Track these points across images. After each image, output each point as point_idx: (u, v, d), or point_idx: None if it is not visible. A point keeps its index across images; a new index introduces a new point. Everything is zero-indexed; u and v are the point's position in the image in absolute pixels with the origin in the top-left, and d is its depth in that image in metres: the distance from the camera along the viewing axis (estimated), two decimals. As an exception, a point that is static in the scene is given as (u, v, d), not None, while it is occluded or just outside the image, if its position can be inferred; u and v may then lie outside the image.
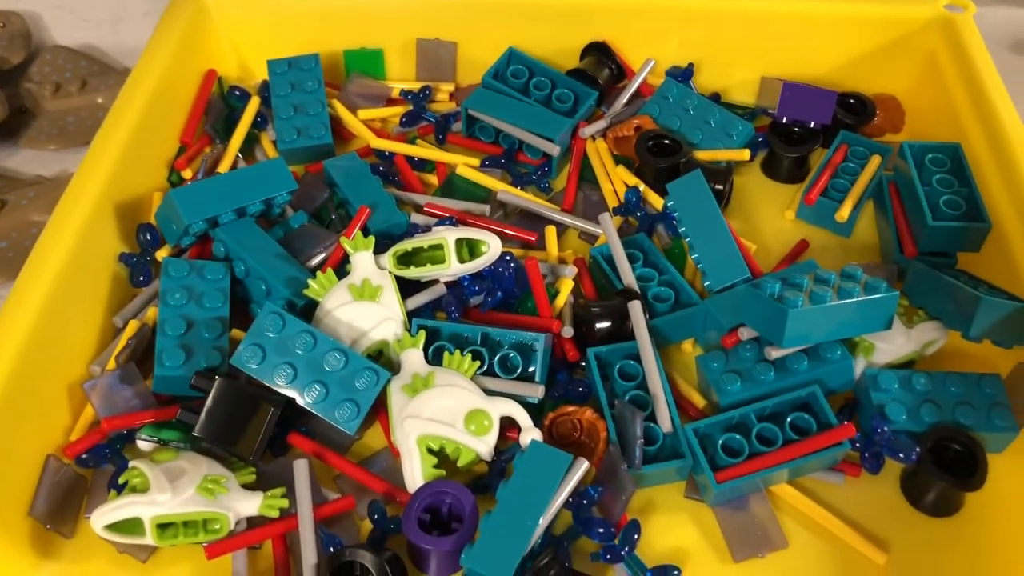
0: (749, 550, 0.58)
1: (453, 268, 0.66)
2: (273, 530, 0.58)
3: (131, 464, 0.58)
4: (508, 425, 0.62)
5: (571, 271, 0.70)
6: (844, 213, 0.74)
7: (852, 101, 0.84)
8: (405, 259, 0.67)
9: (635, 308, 0.65)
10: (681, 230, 0.71)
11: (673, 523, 0.60)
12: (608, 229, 0.71)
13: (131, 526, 0.56)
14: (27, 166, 0.87)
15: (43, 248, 0.64)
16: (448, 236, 0.66)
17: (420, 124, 0.85)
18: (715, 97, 0.87)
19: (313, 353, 0.61)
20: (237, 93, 0.84)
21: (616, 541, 0.57)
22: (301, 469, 0.59)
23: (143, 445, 0.61)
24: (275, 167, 0.71)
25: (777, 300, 0.60)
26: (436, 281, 0.68)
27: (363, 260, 0.66)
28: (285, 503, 0.58)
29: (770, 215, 0.79)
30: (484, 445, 0.60)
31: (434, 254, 0.67)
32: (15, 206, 0.79)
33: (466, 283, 0.67)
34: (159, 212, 0.69)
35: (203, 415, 0.59)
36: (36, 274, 0.62)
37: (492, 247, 0.66)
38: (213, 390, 0.59)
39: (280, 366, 0.61)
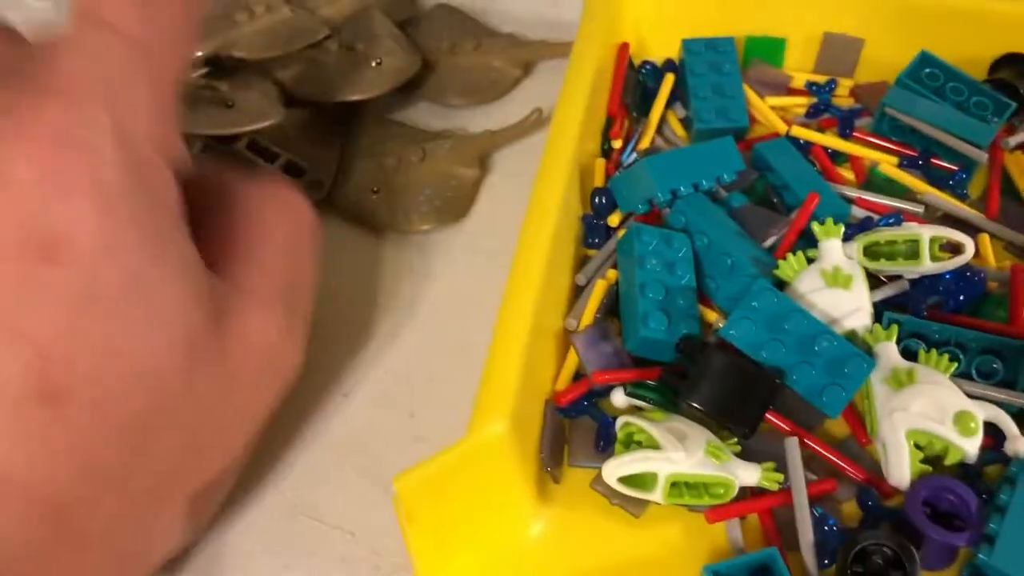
0: None
1: (925, 266, 0.65)
2: (765, 503, 0.59)
3: (623, 420, 0.59)
4: (980, 431, 0.62)
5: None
6: None
7: None
8: (870, 252, 0.67)
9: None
10: None
11: None
12: (1065, 244, 0.69)
13: (639, 480, 0.57)
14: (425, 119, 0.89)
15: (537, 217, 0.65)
16: (923, 232, 0.66)
17: (822, 117, 0.85)
18: None
19: (803, 333, 0.61)
20: (647, 68, 0.85)
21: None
22: (792, 448, 0.59)
23: (621, 401, 0.62)
24: (724, 146, 0.72)
25: None
26: (899, 277, 0.68)
27: (833, 247, 0.66)
28: (780, 477, 0.58)
29: None
30: (972, 446, 0.60)
31: (900, 248, 0.67)
32: (432, 155, 0.82)
33: (927, 283, 0.67)
34: (620, 178, 0.71)
35: (701, 384, 0.60)
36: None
37: (968, 250, 0.66)
38: (708, 360, 0.60)
39: (769, 342, 0.61)
